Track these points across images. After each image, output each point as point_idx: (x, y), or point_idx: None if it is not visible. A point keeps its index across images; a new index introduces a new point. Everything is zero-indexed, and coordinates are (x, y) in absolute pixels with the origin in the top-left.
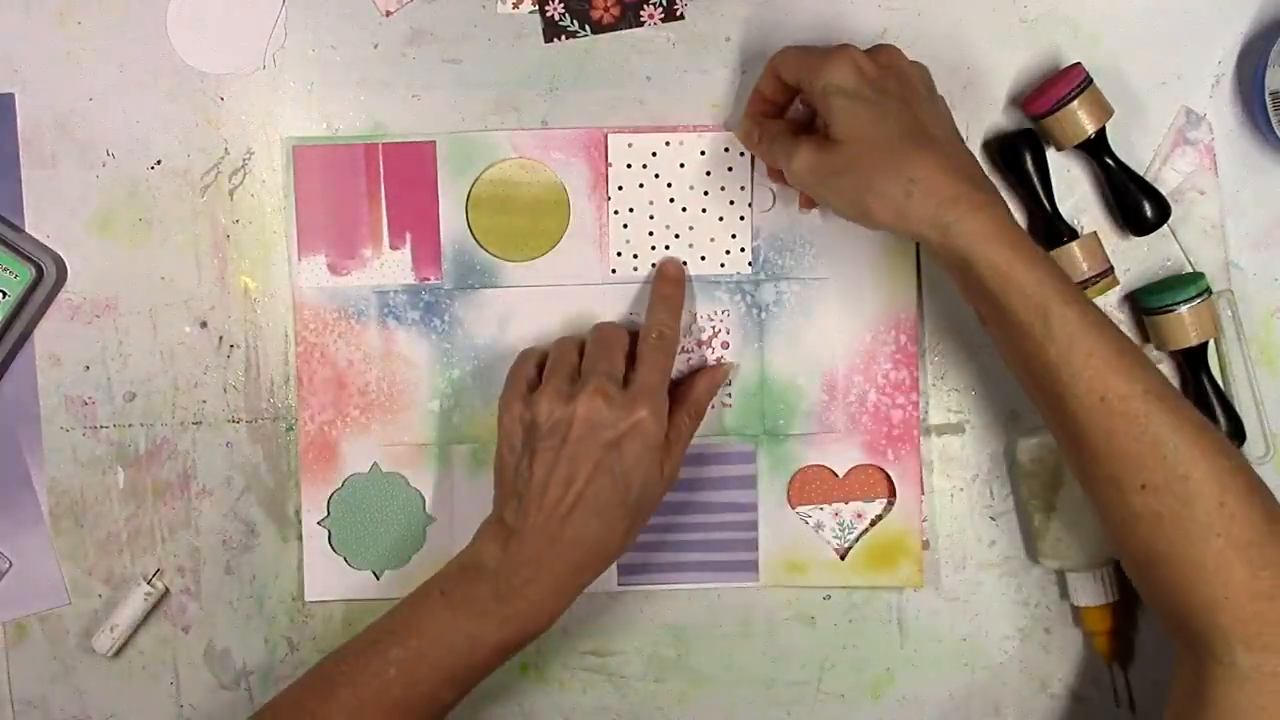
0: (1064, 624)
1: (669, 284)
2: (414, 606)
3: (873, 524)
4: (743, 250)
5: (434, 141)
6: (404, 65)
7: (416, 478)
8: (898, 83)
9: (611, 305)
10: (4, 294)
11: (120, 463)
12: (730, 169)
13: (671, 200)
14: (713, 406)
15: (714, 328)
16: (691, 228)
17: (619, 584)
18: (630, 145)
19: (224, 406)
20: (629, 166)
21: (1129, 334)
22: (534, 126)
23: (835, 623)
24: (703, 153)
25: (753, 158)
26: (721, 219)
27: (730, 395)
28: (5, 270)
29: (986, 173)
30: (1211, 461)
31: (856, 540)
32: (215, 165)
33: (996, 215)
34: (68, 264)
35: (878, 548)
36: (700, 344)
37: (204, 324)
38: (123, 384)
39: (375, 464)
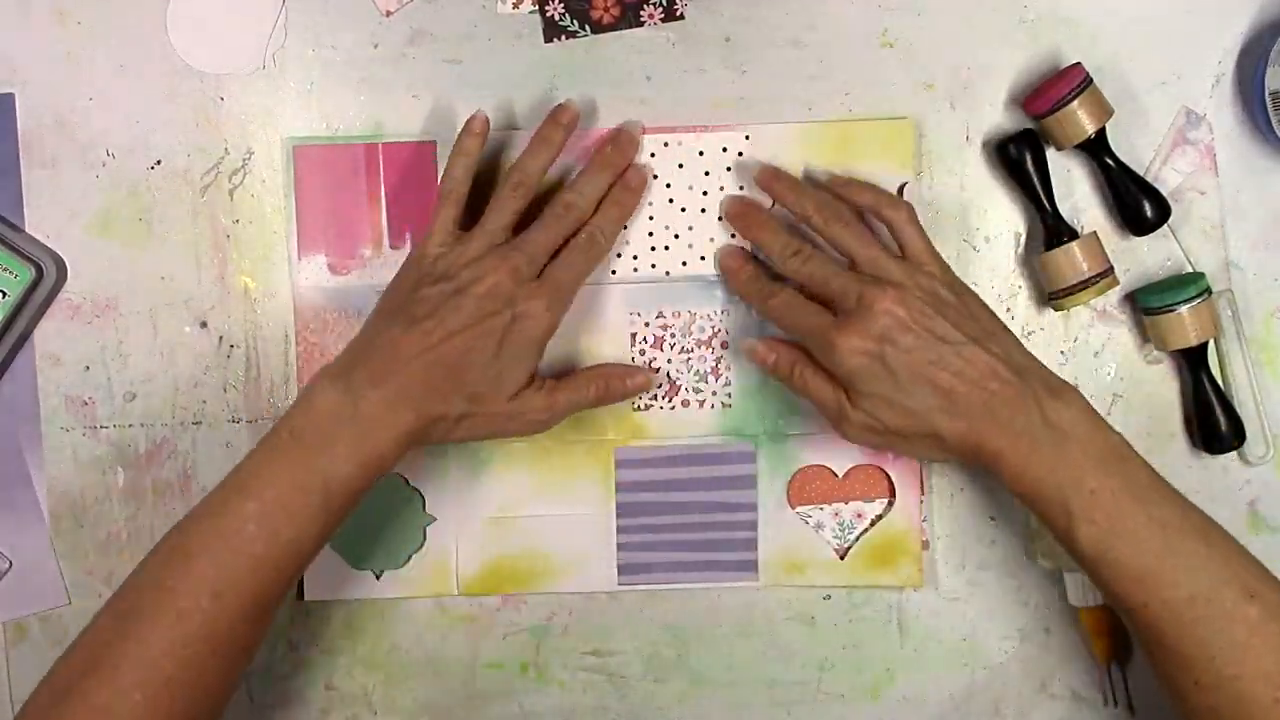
0: (1064, 624)
1: (628, 193)
2: (264, 455)
3: (873, 524)
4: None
5: (434, 141)
6: (404, 65)
7: (416, 477)
8: (901, 354)
9: (613, 305)
10: (4, 294)
11: (120, 463)
12: (729, 169)
13: (670, 200)
14: (711, 406)
15: (714, 327)
16: (691, 228)
17: (619, 583)
18: None
19: (224, 406)
20: None
21: (1129, 334)
22: (535, 126)
23: (835, 623)
24: (701, 153)
25: (749, 158)
26: (721, 219)
27: (730, 395)
28: (5, 270)
29: (987, 174)
30: (1259, 660)
31: (857, 540)
32: (215, 165)
33: (1015, 450)
34: (68, 264)
35: (878, 547)
36: (700, 344)
37: (204, 324)
38: (123, 384)
39: None
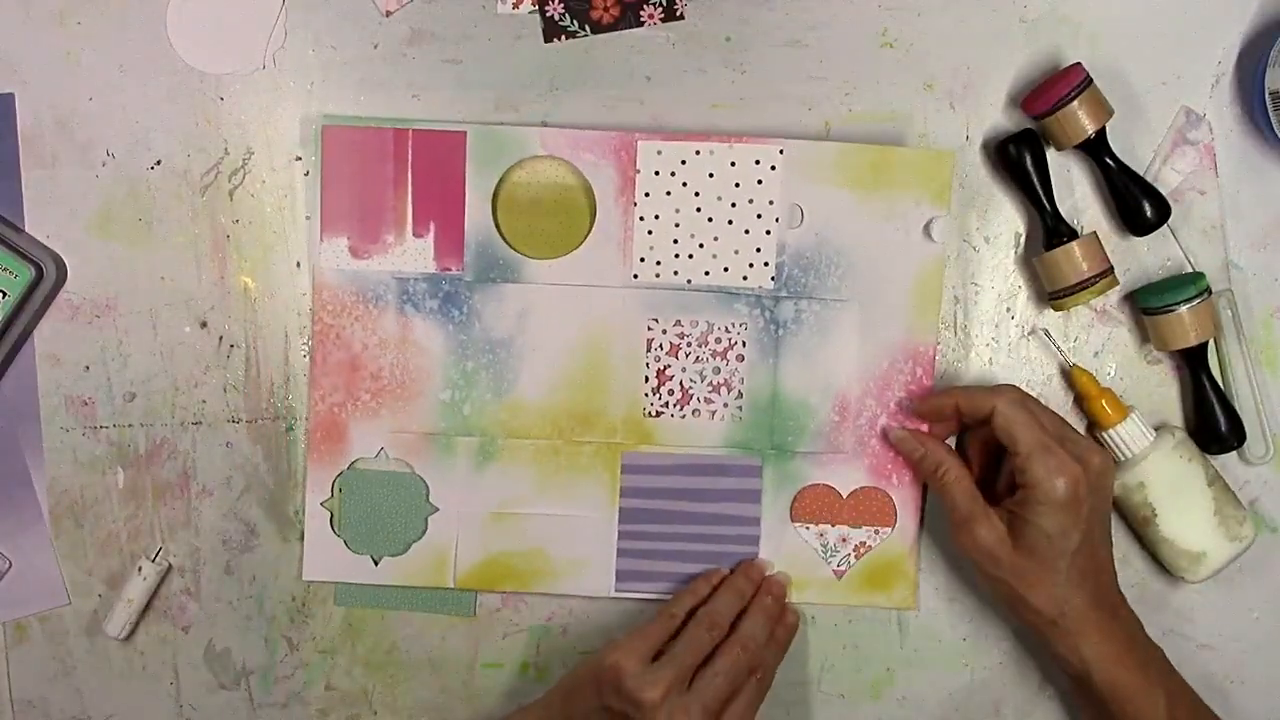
0: None
1: (786, 630)
2: None
3: (858, 552)
4: (766, 265)
5: (464, 131)
6: (404, 65)
7: (422, 466)
8: (1098, 502)
9: (631, 310)
10: (4, 294)
11: (120, 463)
12: (760, 181)
13: (698, 210)
14: (721, 418)
15: (730, 339)
16: (716, 238)
17: (615, 589)
18: (660, 152)
19: (224, 406)
20: (657, 174)
21: (1129, 334)
22: (555, 125)
23: (835, 623)
24: (733, 164)
25: (782, 173)
26: (748, 231)
27: (741, 408)
28: (5, 270)
29: (987, 174)
30: None
31: (851, 564)
32: (215, 165)
33: (1123, 636)
34: (68, 264)
35: (875, 570)
36: (716, 355)
37: (204, 324)
38: (123, 384)
39: (382, 449)
